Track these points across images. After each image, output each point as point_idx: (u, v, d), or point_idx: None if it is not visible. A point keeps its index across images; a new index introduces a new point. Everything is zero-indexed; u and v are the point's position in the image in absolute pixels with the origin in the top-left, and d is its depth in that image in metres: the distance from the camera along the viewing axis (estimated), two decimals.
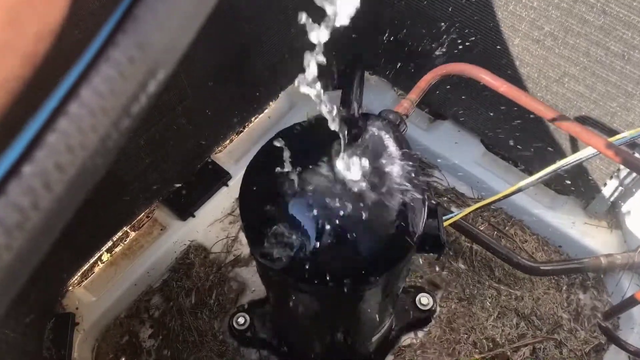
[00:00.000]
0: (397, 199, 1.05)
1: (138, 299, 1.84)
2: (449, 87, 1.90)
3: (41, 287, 1.66)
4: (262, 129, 2.13)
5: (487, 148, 2.00)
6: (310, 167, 1.08)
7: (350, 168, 1.06)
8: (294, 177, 1.06)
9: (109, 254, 1.96)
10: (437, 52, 1.82)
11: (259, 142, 2.08)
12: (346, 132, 1.08)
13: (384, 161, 1.08)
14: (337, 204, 1.01)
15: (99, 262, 1.94)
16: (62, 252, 1.67)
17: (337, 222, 1.00)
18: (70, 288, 1.82)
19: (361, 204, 1.02)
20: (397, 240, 1.02)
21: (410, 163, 1.09)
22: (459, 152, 2.01)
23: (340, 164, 1.06)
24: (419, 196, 1.07)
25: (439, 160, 2.06)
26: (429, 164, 2.09)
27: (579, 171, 1.76)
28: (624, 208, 1.79)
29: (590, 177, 1.76)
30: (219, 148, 2.07)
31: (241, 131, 2.16)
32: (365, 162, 1.07)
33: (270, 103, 2.18)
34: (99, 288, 1.82)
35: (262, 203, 1.04)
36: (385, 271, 0.98)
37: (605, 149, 1.15)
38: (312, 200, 1.04)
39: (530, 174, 1.96)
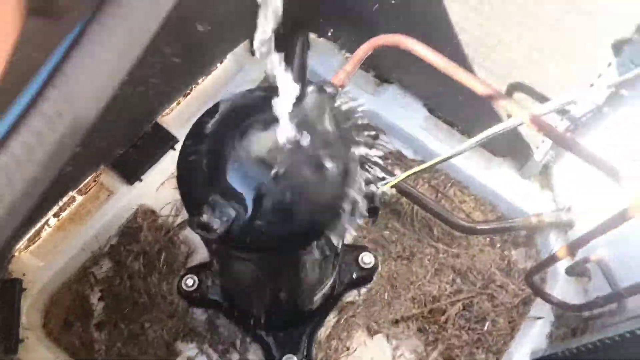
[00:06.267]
0: (331, 167, 1.09)
1: (86, 263, 1.86)
2: (393, 52, 1.92)
3: None
4: (210, 92, 2.12)
5: (429, 112, 2.06)
6: (247, 136, 1.11)
7: (287, 138, 1.09)
8: (231, 146, 1.09)
9: (56, 219, 1.95)
10: (383, 16, 1.85)
11: (206, 105, 2.06)
12: (284, 104, 1.11)
13: (319, 132, 1.12)
14: (273, 173, 1.04)
15: (46, 227, 1.93)
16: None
17: (273, 190, 1.04)
18: (16, 253, 1.82)
19: (297, 173, 1.06)
20: (330, 208, 1.06)
21: (345, 134, 1.14)
22: (403, 116, 2.07)
23: (277, 133, 1.09)
24: (354, 164, 1.12)
25: (384, 124, 2.11)
26: (376, 127, 2.13)
27: (514, 135, 1.84)
28: (555, 170, 1.90)
29: (523, 141, 1.85)
30: (166, 111, 2.06)
31: (188, 94, 2.14)
32: (302, 132, 1.11)
33: (218, 65, 2.17)
34: (46, 253, 1.83)
35: (199, 173, 1.07)
36: (317, 238, 1.04)
37: (530, 122, 1.22)
38: (248, 168, 1.07)
39: (470, 136, 2.04)
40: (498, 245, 1.94)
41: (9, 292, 1.72)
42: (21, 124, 0.33)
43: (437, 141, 2.00)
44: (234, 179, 1.05)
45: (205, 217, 1.00)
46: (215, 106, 1.20)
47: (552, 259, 1.53)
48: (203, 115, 1.18)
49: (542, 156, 1.81)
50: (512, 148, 1.92)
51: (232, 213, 1.02)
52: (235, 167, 1.06)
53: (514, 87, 1.72)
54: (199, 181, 1.05)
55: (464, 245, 1.92)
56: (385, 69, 2.08)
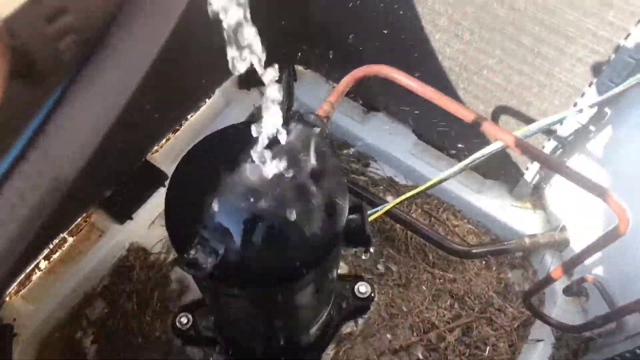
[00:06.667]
0: (319, 199, 1.09)
1: (78, 305, 1.83)
2: (379, 80, 1.95)
3: None
4: (199, 127, 2.13)
5: (418, 137, 2.07)
6: (233, 171, 1.11)
7: (274, 171, 1.09)
8: (217, 182, 1.09)
9: (46, 261, 1.93)
10: (367, 46, 1.87)
11: (196, 141, 2.07)
12: (269, 137, 1.11)
13: (306, 164, 1.11)
14: (261, 207, 1.04)
15: (36, 270, 1.91)
16: None
17: (261, 225, 1.03)
18: (7, 299, 1.79)
19: (284, 206, 1.05)
20: (320, 240, 1.06)
21: (332, 165, 1.13)
22: (392, 143, 2.08)
23: (263, 167, 1.09)
24: (341, 195, 1.11)
25: (374, 151, 2.12)
26: (365, 155, 2.14)
27: (503, 157, 1.85)
28: (546, 190, 1.90)
29: (513, 162, 1.86)
30: (155, 148, 2.06)
31: (177, 129, 2.15)
32: (288, 164, 1.10)
33: (206, 100, 2.18)
34: (37, 297, 1.80)
35: (186, 211, 1.06)
36: (308, 272, 1.02)
37: (514, 145, 1.23)
38: (235, 204, 1.06)
39: (460, 160, 2.05)
40: (494, 267, 1.92)
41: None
42: (5, 184, 0.34)
43: (427, 166, 2.01)
44: (221, 215, 1.04)
45: (193, 255, 0.99)
46: (201, 142, 1.20)
47: (548, 280, 1.51)
48: (188, 152, 1.18)
49: (533, 177, 1.81)
50: (503, 170, 1.93)
51: (221, 250, 1.01)
52: (222, 203, 1.06)
53: (500, 110, 1.73)
54: (187, 219, 1.05)
55: (460, 270, 1.91)
56: (372, 97, 2.09)
